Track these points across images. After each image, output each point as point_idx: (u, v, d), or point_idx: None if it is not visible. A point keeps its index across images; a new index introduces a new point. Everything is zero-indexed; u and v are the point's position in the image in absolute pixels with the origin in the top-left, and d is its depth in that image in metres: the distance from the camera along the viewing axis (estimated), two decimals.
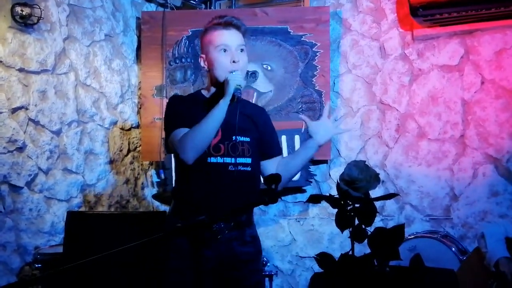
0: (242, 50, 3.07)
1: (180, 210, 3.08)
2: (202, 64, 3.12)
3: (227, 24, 3.07)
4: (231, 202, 2.85)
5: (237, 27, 3.09)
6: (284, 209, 5.57)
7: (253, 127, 3.14)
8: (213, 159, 3.00)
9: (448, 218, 4.98)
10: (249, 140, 3.09)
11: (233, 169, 3.02)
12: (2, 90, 4.10)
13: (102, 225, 3.92)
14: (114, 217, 4.31)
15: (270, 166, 3.18)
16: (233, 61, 3.01)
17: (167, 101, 3.22)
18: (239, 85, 2.97)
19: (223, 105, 2.93)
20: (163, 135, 3.72)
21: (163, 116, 3.20)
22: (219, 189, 2.99)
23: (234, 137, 3.04)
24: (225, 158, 3.01)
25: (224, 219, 2.91)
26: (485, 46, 4.90)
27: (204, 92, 3.17)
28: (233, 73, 2.99)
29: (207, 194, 2.99)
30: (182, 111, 3.06)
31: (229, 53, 3.02)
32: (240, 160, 3.04)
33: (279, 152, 3.28)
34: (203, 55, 3.11)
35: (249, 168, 3.07)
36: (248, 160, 3.07)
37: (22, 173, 4.22)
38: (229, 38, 3.04)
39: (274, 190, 2.21)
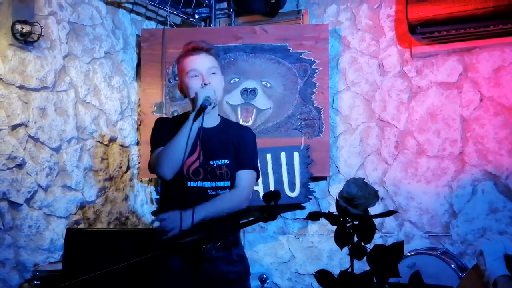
0: (214, 73, 3.12)
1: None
2: (179, 92, 3.22)
3: (195, 48, 3.13)
4: (210, 225, 2.93)
5: (206, 50, 3.14)
6: (284, 226, 5.56)
7: (232, 150, 3.17)
8: (193, 183, 3.07)
9: (448, 235, 4.97)
10: (228, 162, 3.13)
11: (212, 193, 3.08)
12: (2, 107, 4.10)
13: (101, 242, 3.92)
14: (113, 234, 4.30)
15: (240, 177, 3.16)
16: (204, 84, 3.06)
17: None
18: (208, 96, 2.99)
19: (191, 118, 2.96)
20: None
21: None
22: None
23: (212, 162, 3.09)
24: (204, 183, 3.07)
25: (218, 237, 2.96)
26: (483, 63, 4.92)
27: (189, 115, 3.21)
28: (203, 87, 3.04)
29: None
30: (163, 132, 3.12)
31: (200, 77, 3.08)
32: (219, 183, 3.09)
33: (250, 166, 3.21)
34: (179, 83, 3.20)
35: (227, 191, 3.11)
36: (227, 183, 3.12)
37: (21, 190, 4.22)
38: (198, 62, 3.10)
39: (274, 207, 2.21)
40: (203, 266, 3.02)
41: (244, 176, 3.16)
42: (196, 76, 3.08)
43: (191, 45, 3.14)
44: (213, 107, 3.10)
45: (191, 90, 3.08)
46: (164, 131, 3.13)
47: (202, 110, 2.96)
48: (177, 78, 5.32)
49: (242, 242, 5.06)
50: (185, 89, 3.13)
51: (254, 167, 3.23)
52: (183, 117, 3.18)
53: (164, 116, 5.23)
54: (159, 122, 3.26)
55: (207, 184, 3.07)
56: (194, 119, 2.94)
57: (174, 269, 3.04)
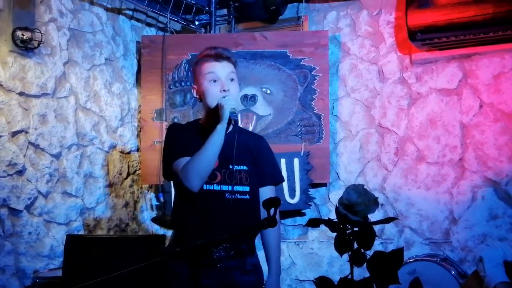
0: (232, 79, 3.11)
1: (180, 239, 3.10)
2: (194, 94, 3.19)
3: (218, 56, 3.11)
4: (229, 230, 2.83)
5: (228, 59, 3.12)
6: (284, 233, 5.55)
7: (250, 157, 3.15)
8: (209, 187, 3.02)
9: (448, 241, 4.97)
10: (247, 168, 3.11)
11: (230, 197, 3.03)
12: (2, 113, 4.11)
13: (101, 249, 3.91)
14: (113, 240, 4.30)
15: (262, 194, 3.18)
16: (223, 90, 3.04)
17: (166, 129, 3.24)
18: (234, 109, 2.99)
19: (220, 130, 2.96)
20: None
21: (163, 143, 3.22)
22: (215, 217, 3.00)
23: (231, 166, 3.06)
24: (221, 186, 3.04)
25: (223, 243, 2.92)
26: (483, 69, 4.92)
27: (201, 122, 3.21)
28: (225, 97, 3.01)
29: (204, 222, 2.99)
30: (182, 140, 3.09)
31: (219, 83, 3.06)
32: (238, 188, 3.05)
33: (272, 181, 3.27)
34: (195, 86, 3.18)
35: (247, 196, 3.08)
36: (246, 188, 3.08)
37: (21, 197, 4.22)
38: (219, 69, 3.08)
39: (273, 214, 2.21)
40: (215, 275, 2.98)
41: (268, 194, 3.17)
42: (215, 81, 3.06)
43: (213, 51, 3.12)
44: None
45: (210, 97, 3.06)
46: (184, 139, 3.10)
47: (231, 123, 3.00)
48: (177, 85, 5.40)
49: None
50: (202, 93, 3.10)
51: (276, 181, 3.29)
52: (196, 124, 3.20)
53: (165, 122, 5.24)
54: (175, 129, 3.23)
55: (224, 188, 3.03)
56: (226, 130, 2.98)
57: (183, 280, 2.98)
